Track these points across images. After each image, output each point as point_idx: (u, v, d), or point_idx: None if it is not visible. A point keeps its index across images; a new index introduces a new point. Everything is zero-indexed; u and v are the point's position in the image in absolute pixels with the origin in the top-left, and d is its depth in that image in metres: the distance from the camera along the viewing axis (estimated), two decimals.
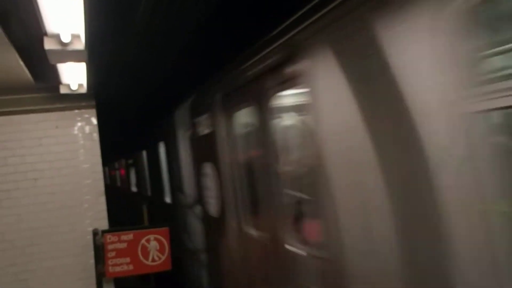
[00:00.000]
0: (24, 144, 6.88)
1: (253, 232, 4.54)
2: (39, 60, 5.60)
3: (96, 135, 7.21)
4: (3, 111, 6.84)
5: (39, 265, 6.81)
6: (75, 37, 4.54)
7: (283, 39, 3.55)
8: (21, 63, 5.57)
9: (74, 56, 4.85)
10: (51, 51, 4.59)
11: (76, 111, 7.16)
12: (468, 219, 1.95)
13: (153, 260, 6.78)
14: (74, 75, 6.06)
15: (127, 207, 15.00)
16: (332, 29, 2.85)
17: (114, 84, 8.03)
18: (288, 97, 3.95)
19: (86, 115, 7.20)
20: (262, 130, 4.06)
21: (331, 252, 3.03)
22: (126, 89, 8.48)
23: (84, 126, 7.18)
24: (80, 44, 4.64)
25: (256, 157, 4.37)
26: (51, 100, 7.01)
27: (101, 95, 7.40)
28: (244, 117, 4.74)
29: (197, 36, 5.82)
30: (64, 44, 4.56)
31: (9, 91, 6.83)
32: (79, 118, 7.17)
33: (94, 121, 7.23)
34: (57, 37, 4.40)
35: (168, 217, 8.27)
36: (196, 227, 6.75)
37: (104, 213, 7.13)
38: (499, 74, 2.25)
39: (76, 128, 7.13)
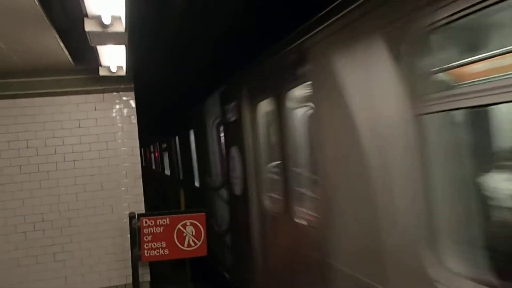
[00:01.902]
0: (64, 125, 6.91)
1: (270, 207, 5.33)
2: (79, 42, 5.56)
3: (134, 118, 7.17)
4: (44, 92, 6.86)
5: (76, 246, 6.88)
6: (115, 19, 4.45)
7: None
8: (61, 44, 5.54)
9: (114, 38, 4.77)
10: (91, 33, 4.52)
11: (115, 93, 7.12)
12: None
13: (189, 245, 6.73)
14: (113, 58, 6.01)
15: (161, 190, 15.13)
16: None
17: (152, 68, 7.98)
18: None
19: (125, 98, 7.16)
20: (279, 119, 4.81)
21: (320, 222, 3.88)
22: (163, 73, 8.41)
23: (123, 109, 7.14)
24: (121, 26, 4.55)
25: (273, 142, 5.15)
26: (91, 82, 6.99)
27: (139, 78, 7.34)
28: (265, 107, 5.36)
29: (233, 23, 5.67)
30: (105, 26, 4.48)
31: (49, 73, 6.85)
32: (117, 101, 7.13)
33: (133, 104, 7.18)
34: (97, 19, 4.32)
35: (199, 201, 8.23)
36: (223, 209, 6.84)
37: (141, 197, 7.12)
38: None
39: (114, 110, 7.10)
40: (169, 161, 13.06)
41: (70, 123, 6.92)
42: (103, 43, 5.04)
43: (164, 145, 14.00)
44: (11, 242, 6.69)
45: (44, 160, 6.82)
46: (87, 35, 4.57)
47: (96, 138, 6.99)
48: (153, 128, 14.99)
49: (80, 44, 5.74)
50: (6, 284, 6.63)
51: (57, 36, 5.21)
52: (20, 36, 5.11)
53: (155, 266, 7.28)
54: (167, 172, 13.85)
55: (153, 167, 20.01)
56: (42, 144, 6.82)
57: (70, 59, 6.24)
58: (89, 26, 4.45)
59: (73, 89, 6.95)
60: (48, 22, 4.71)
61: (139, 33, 5.34)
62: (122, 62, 6.25)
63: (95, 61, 6.16)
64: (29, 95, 6.82)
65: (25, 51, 5.74)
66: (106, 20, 4.36)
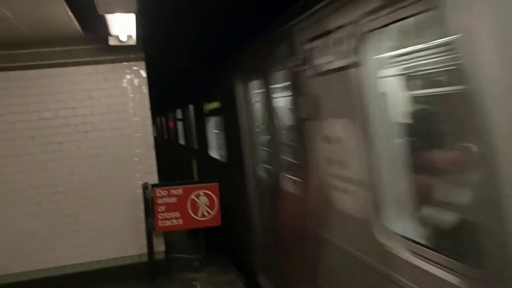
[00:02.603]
0: (76, 96, 6.86)
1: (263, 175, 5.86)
2: (88, 10, 5.44)
3: (145, 88, 7.08)
4: (54, 62, 6.79)
5: (90, 217, 6.92)
6: None
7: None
8: (70, 13, 5.42)
9: (123, 6, 4.65)
10: (100, 1, 4.40)
11: (125, 63, 7.02)
12: None
13: (203, 216, 6.74)
14: (123, 26, 5.89)
15: (174, 159, 15.14)
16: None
17: (162, 36, 7.81)
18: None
19: (135, 68, 7.06)
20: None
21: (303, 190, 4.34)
22: (175, 41, 8.24)
23: (133, 79, 7.05)
24: None
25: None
26: (101, 52, 6.89)
27: (150, 47, 7.21)
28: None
29: None
30: None
31: (59, 43, 6.75)
32: (128, 71, 7.04)
33: (143, 73, 7.09)
34: None
35: (215, 173, 8.17)
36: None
37: (153, 167, 7.10)
38: None
39: (125, 80, 7.02)
40: (184, 131, 12.94)
41: (81, 93, 6.87)
42: (112, 11, 4.91)
43: (179, 115, 13.82)
44: (26, 213, 6.74)
45: (56, 131, 6.81)
46: (95, 3, 4.46)
47: (108, 109, 6.94)
48: (166, 97, 14.87)
49: (89, 13, 5.63)
50: (22, 255, 6.72)
51: (65, 4, 5.09)
52: (28, 5, 5.01)
53: (170, 236, 7.31)
54: (181, 142, 13.78)
55: (165, 136, 20.00)
56: (54, 115, 6.79)
57: (79, 28, 6.13)
58: None
59: (83, 59, 6.87)
60: None
61: (148, 0, 5.18)
62: (132, 31, 6.13)
63: (105, 30, 6.05)
64: (39, 66, 6.75)
65: (34, 20, 5.64)
66: None
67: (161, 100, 15.42)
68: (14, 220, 6.72)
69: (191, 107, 11.16)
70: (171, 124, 17.35)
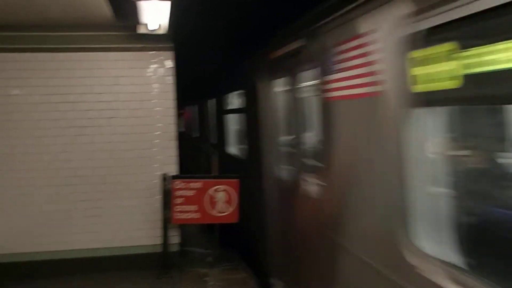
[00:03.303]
0: (101, 82, 6.84)
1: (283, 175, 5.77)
2: None
3: (170, 79, 7.04)
4: (82, 47, 6.79)
5: (108, 203, 6.90)
6: None
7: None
8: None
9: None
10: None
11: (153, 52, 6.99)
12: None
13: (220, 211, 6.68)
14: (154, 15, 5.85)
15: (192, 153, 15.12)
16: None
17: (191, 27, 7.76)
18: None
19: (162, 57, 7.02)
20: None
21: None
22: (202, 34, 8.20)
23: (160, 69, 7.01)
24: None
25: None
26: (129, 39, 6.86)
27: (178, 37, 7.16)
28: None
29: None
30: None
31: (88, 28, 6.74)
32: (155, 60, 7.00)
33: (170, 64, 7.04)
34: None
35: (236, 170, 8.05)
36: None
37: (174, 158, 7.05)
38: None
39: (151, 69, 6.99)
40: (205, 125, 12.83)
41: (107, 79, 6.85)
42: None
43: (201, 107, 13.69)
44: (44, 195, 6.75)
45: (79, 115, 6.80)
46: None
47: (132, 97, 6.91)
48: (188, 88, 14.82)
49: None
50: (38, 236, 6.73)
51: None
52: None
53: (185, 229, 7.27)
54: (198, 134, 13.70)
55: (183, 129, 19.99)
56: (78, 99, 6.79)
57: (111, 14, 6.10)
58: None
59: (111, 46, 6.85)
60: None
61: None
62: (163, 20, 6.10)
63: (135, 18, 6.03)
64: (67, 49, 6.76)
65: (66, 3, 5.63)
66: None
67: (182, 92, 15.35)
68: (33, 201, 6.73)
69: (213, 101, 11.11)
70: (186, 116, 17.30)
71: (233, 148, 9.17)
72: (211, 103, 11.39)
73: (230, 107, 9.21)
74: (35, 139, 6.72)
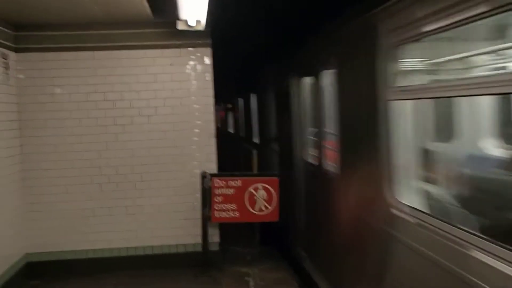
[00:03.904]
0: (140, 79, 6.84)
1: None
2: None
3: (209, 75, 6.96)
4: (122, 45, 6.79)
5: (147, 201, 6.90)
6: None
7: None
8: None
9: None
10: None
11: (191, 49, 6.92)
12: None
13: (260, 210, 6.55)
14: (193, 11, 5.78)
15: (229, 150, 15.10)
16: None
17: (230, 23, 7.67)
18: None
19: (200, 54, 6.94)
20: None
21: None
22: (242, 29, 8.08)
23: (198, 65, 6.94)
24: None
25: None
26: (168, 36, 6.82)
27: (216, 33, 7.08)
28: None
29: None
30: None
31: (128, 25, 6.75)
32: (193, 57, 6.93)
33: (208, 60, 6.96)
34: None
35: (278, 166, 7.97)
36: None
37: (213, 156, 6.97)
38: None
39: (190, 66, 6.92)
40: (243, 121, 12.76)
41: (146, 77, 6.84)
42: None
43: (238, 103, 13.65)
44: (87, 192, 6.82)
45: (120, 113, 6.82)
46: None
47: (171, 94, 6.87)
48: (226, 84, 14.79)
49: None
50: (80, 232, 6.81)
51: None
52: None
53: (225, 227, 7.19)
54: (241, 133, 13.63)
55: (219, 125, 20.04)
56: (118, 97, 6.81)
57: (149, 11, 6.08)
58: None
59: (150, 43, 6.82)
60: None
61: None
62: (201, 16, 6.01)
63: (174, 14, 5.97)
64: (107, 47, 6.78)
65: (106, 1, 5.64)
66: None
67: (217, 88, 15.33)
68: (76, 198, 6.81)
69: (247, 97, 11.02)
70: (221, 114, 17.32)
71: (268, 142, 9.11)
72: (247, 99, 11.32)
73: (265, 102, 9.10)
74: (78, 137, 6.79)
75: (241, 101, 12.52)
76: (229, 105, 16.08)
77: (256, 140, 10.18)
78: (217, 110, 19.23)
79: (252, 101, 10.76)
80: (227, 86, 14.10)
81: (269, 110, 8.75)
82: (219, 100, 17.53)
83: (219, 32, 7.16)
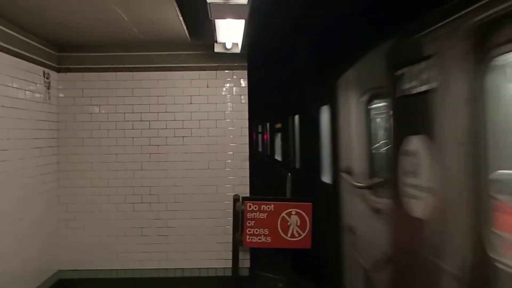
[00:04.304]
0: (177, 101, 6.89)
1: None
2: (197, 16, 5.42)
3: (244, 98, 6.96)
4: (160, 66, 6.89)
5: (180, 223, 6.88)
6: None
7: None
8: (180, 18, 5.43)
9: (235, 10, 4.51)
10: (212, 4, 4.29)
11: (228, 71, 6.95)
12: None
13: (293, 236, 6.41)
14: (230, 34, 5.80)
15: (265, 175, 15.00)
16: None
17: (266, 46, 7.69)
18: None
19: (237, 76, 6.96)
20: None
21: None
22: (278, 51, 8.09)
23: (234, 88, 6.96)
24: None
25: None
26: (205, 59, 6.88)
27: (252, 56, 7.09)
28: None
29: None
30: None
31: (166, 47, 6.85)
32: (229, 79, 6.96)
33: (244, 83, 6.97)
34: None
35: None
36: None
37: (246, 179, 6.93)
38: None
39: (226, 89, 6.94)
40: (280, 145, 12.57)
41: (183, 98, 6.88)
42: (223, 16, 4.80)
43: (275, 126, 13.47)
44: (121, 211, 6.85)
45: (155, 134, 6.87)
46: (208, 6, 4.35)
47: (206, 116, 6.89)
48: (264, 108, 14.75)
49: (198, 19, 5.61)
50: (112, 251, 6.82)
51: (177, 9, 5.10)
52: (143, 8, 5.08)
53: (256, 252, 7.07)
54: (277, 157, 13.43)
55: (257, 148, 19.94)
56: (154, 118, 6.87)
57: (187, 33, 6.14)
58: None
59: (188, 65, 6.89)
60: None
61: (260, 7, 5.01)
62: (238, 39, 6.03)
63: (211, 37, 6.01)
64: (146, 68, 6.88)
65: (146, 24, 5.74)
66: None
67: (261, 110, 15.28)
68: (110, 217, 6.86)
69: (286, 120, 10.90)
70: (265, 137, 17.22)
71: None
72: (285, 121, 11.19)
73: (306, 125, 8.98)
74: (114, 156, 6.87)
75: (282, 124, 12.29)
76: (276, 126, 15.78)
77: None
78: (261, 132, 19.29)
79: (291, 124, 10.59)
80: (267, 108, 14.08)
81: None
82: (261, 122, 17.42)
83: (258, 54, 7.18)
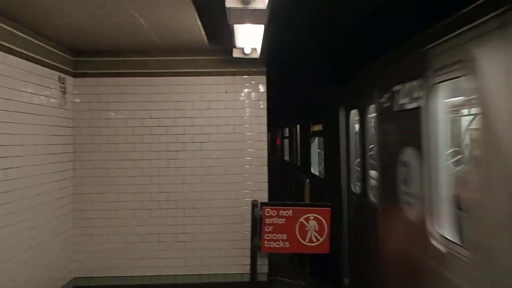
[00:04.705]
0: (195, 106, 6.85)
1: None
2: (216, 21, 5.40)
3: (263, 103, 6.90)
4: (178, 71, 6.86)
5: (198, 229, 6.83)
6: None
7: None
8: (199, 23, 5.40)
9: (254, 16, 4.44)
10: (231, 9, 4.24)
11: (246, 76, 6.90)
12: None
13: (311, 241, 6.34)
14: (249, 39, 5.75)
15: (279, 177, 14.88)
16: None
17: (285, 51, 7.63)
18: None
19: (255, 82, 6.92)
20: None
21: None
22: (297, 57, 8.02)
23: (252, 93, 6.91)
24: (263, 3, 4.22)
25: None
26: (224, 64, 6.84)
27: (271, 61, 7.04)
28: None
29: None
30: (246, 2, 4.18)
31: (184, 52, 6.82)
32: (248, 84, 6.91)
33: (263, 88, 6.91)
34: None
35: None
36: None
37: (264, 185, 6.87)
38: None
39: (244, 94, 6.90)
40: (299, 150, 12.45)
41: (201, 104, 6.84)
42: (242, 21, 4.74)
43: (296, 131, 13.34)
44: (138, 218, 6.82)
45: (173, 139, 6.84)
46: (227, 11, 4.30)
47: (225, 121, 6.84)
48: (283, 113, 14.66)
49: (216, 24, 5.58)
50: (129, 258, 6.79)
51: (196, 13, 5.06)
52: (161, 12, 5.04)
53: (273, 256, 7.00)
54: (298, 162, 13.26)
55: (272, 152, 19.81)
56: (172, 123, 6.83)
57: (206, 38, 6.11)
58: (230, 2, 4.18)
59: (206, 70, 6.86)
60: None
61: (280, 12, 4.97)
62: (257, 44, 5.98)
63: (229, 42, 5.97)
64: (164, 73, 6.86)
65: (164, 29, 5.70)
66: None
67: (280, 116, 15.22)
68: (126, 224, 6.82)
69: (301, 125, 10.84)
70: (278, 142, 17.13)
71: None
72: (300, 127, 11.17)
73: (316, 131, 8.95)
74: (131, 162, 6.84)
75: (295, 130, 12.30)
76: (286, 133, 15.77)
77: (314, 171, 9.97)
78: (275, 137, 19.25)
79: (303, 130, 10.59)
80: (284, 113, 14.03)
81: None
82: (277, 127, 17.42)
83: (276, 59, 7.13)
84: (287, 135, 14.44)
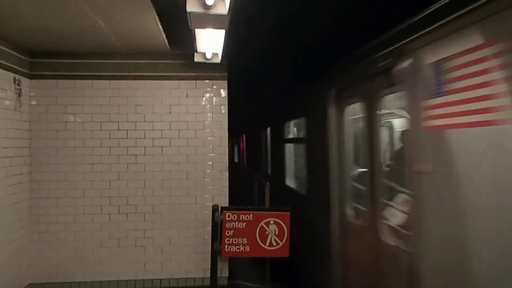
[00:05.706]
0: (156, 110, 6.82)
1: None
2: (177, 25, 5.42)
3: (224, 108, 6.94)
4: (138, 75, 6.81)
5: (158, 233, 6.79)
6: (219, 0, 4.19)
7: None
8: (160, 26, 5.40)
9: (215, 21, 4.51)
10: (192, 14, 4.30)
11: (207, 81, 6.92)
12: None
13: (271, 245, 6.40)
14: (210, 43, 5.79)
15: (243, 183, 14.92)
16: None
17: (246, 56, 7.70)
18: None
19: (217, 87, 6.94)
20: None
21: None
22: (258, 62, 8.10)
23: (214, 98, 6.93)
24: (224, 8, 4.28)
25: None
26: (185, 68, 6.84)
27: (231, 66, 7.09)
28: None
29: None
30: (207, 7, 4.23)
31: (145, 56, 6.79)
32: (209, 89, 6.93)
33: (224, 93, 6.95)
34: None
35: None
36: None
37: (225, 190, 6.89)
38: None
39: (205, 98, 6.91)
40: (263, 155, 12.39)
41: (161, 108, 6.82)
42: (203, 26, 4.80)
43: (262, 137, 13.25)
44: (97, 222, 6.72)
45: (133, 143, 6.78)
46: (188, 16, 4.35)
47: (186, 126, 6.84)
48: (245, 118, 14.70)
49: (178, 28, 5.60)
50: (88, 263, 6.68)
51: (156, 17, 5.07)
52: (120, 15, 5.01)
53: (233, 260, 7.03)
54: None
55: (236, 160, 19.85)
56: (132, 127, 6.78)
57: (167, 43, 6.11)
58: (191, 7, 4.23)
59: (167, 74, 6.84)
60: (149, 3, 4.55)
61: (241, 17, 5.02)
62: (218, 49, 6.02)
63: (191, 46, 6.00)
64: (124, 77, 6.79)
65: (124, 32, 5.66)
66: (209, 1, 4.11)
67: (241, 120, 15.20)
68: (85, 228, 6.71)
69: (269, 129, 10.87)
70: (242, 146, 17.16)
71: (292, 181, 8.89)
72: (267, 132, 11.15)
73: (289, 136, 9.00)
74: (90, 166, 6.74)
75: (264, 133, 12.04)
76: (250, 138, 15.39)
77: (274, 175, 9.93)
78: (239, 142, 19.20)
79: (274, 133, 10.43)
80: (249, 118, 14.02)
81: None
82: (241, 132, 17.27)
83: (237, 63, 7.17)
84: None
